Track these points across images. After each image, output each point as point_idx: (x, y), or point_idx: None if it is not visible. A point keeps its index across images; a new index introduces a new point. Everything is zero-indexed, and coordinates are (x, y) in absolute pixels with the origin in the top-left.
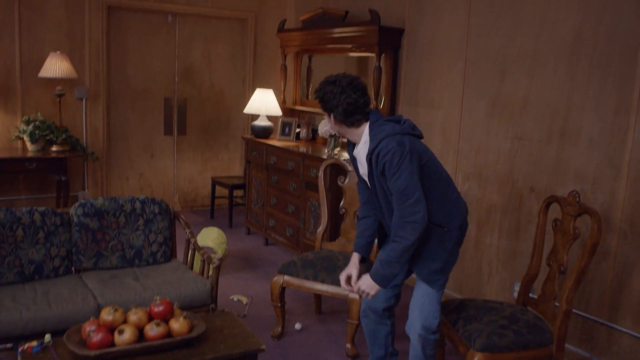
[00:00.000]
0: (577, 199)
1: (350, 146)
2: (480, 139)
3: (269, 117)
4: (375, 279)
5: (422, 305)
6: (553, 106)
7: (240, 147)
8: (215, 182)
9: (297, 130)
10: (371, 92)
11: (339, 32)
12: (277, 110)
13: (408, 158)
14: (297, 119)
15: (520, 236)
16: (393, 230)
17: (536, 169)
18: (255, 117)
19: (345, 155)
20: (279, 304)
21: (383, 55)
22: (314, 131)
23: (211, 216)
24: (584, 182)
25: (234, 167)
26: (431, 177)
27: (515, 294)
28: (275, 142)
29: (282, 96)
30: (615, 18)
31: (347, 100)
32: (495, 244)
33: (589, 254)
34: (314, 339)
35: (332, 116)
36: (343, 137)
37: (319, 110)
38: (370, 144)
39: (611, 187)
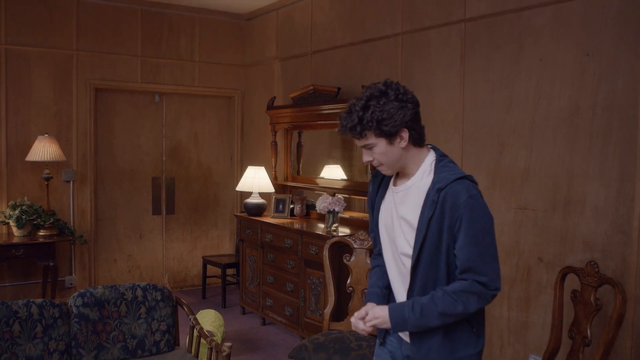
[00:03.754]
0: (597, 270)
1: (376, 181)
2: None
3: (261, 194)
4: (393, 315)
5: None
6: (555, 176)
7: (230, 224)
8: (206, 262)
9: (291, 206)
10: (368, 167)
11: (330, 108)
12: (269, 187)
13: (482, 206)
14: (290, 195)
15: (531, 307)
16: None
17: (543, 239)
18: (246, 194)
19: (346, 230)
20: None
21: None
22: (308, 207)
23: (203, 296)
24: (594, 250)
25: (224, 245)
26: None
27: None
28: (269, 219)
29: (273, 172)
30: (611, 87)
31: (414, 108)
32: (506, 316)
33: (615, 326)
34: None
35: (399, 137)
36: (384, 167)
37: (310, 185)
38: (435, 177)
39: (622, 254)
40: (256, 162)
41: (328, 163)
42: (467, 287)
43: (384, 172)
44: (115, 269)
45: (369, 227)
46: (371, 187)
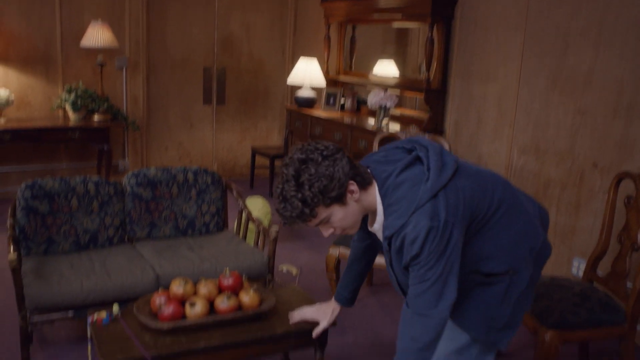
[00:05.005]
0: None
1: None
2: (539, 113)
3: (312, 88)
4: None
5: None
6: (620, 81)
7: (279, 117)
8: (255, 152)
9: (342, 101)
10: (422, 64)
11: (387, 2)
12: (320, 81)
13: (447, 237)
14: (341, 90)
15: (581, 212)
16: (401, 326)
17: (600, 145)
18: (297, 88)
19: (396, 127)
20: (335, 276)
21: (435, 26)
22: (359, 102)
23: (251, 186)
24: None
25: (273, 138)
26: (487, 224)
27: (574, 270)
28: (319, 112)
29: (325, 66)
30: None
31: (342, 153)
32: (554, 219)
33: None
34: (369, 311)
35: (348, 193)
36: (349, 230)
37: (362, 80)
38: (386, 222)
39: None
40: (308, 56)
41: (381, 58)
42: (404, 316)
43: (351, 233)
44: (166, 156)
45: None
46: None
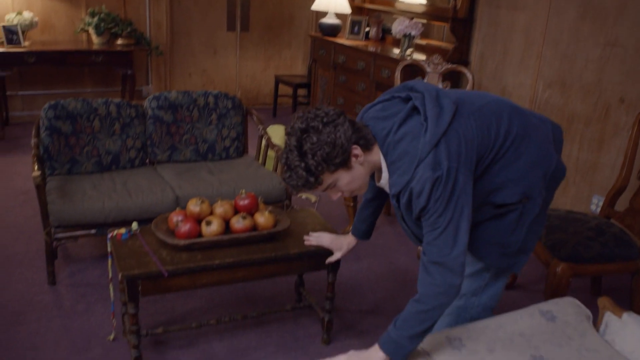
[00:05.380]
0: None
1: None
2: (567, 45)
3: (337, 15)
4: (385, 349)
5: (486, 287)
6: None
7: (304, 45)
8: (278, 81)
9: (367, 29)
10: None
11: None
12: (345, 8)
13: (452, 183)
14: (366, 17)
15: (604, 148)
16: (419, 273)
17: (629, 79)
18: (322, 14)
19: (421, 56)
20: (352, 204)
21: None
22: (384, 31)
23: (274, 114)
24: None
25: (297, 66)
26: (495, 159)
27: (593, 207)
28: (344, 40)
29: None
30: None
31: (344, 117)
32: (575, 155)
33: None
34: (384, 239)
35: (353, 157)
36: (357, 191)
37: (388, 8)
38: (391, 180)
39: None
40: None
41: None
42: (421, 267)
43: (359, 194)
44: (190, 82)
45: None
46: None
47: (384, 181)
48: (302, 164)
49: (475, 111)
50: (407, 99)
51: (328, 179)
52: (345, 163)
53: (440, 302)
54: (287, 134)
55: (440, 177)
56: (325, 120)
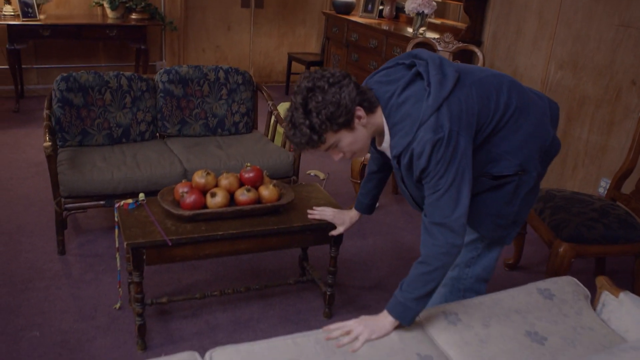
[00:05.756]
0: None
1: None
2: (581, 25)
3: None
4: (393, 312)
5: (478, 258)
6: None
7: (318, 23)
8: (291, 58)
9: (381, 7)
10: None
11: None
12: None
13: (453, 145)
14: None
15: (614, 131)
16: (422, 234)
17: None
18: None
19: (434, 35)
20: (359, 181)
21: None
22: (398, 9)
23: (286, 92)
24: None
25: (310, 44)
26: (494, 130)
27: (601, 190)
28: (357, 18)
29: None
30: None
31: (349, 79)
32: (585, 138)
33: None
34: (391, 218)
35: (356, 119)
36: (358, 154)
37: None
38: (392, 142)
39: None
40: None
41: None
42: (423, 228)
43: (361, 157)
44: (203, 58)
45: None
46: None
47: (386, 144)
48: (307, 122)
49: (476, 81)
50: (411, 66)
51: (331, 138)
52: (348, 123)
53: (443, 262)
54: (293, 92)
55: (441, 139)
56: (331, 80)
